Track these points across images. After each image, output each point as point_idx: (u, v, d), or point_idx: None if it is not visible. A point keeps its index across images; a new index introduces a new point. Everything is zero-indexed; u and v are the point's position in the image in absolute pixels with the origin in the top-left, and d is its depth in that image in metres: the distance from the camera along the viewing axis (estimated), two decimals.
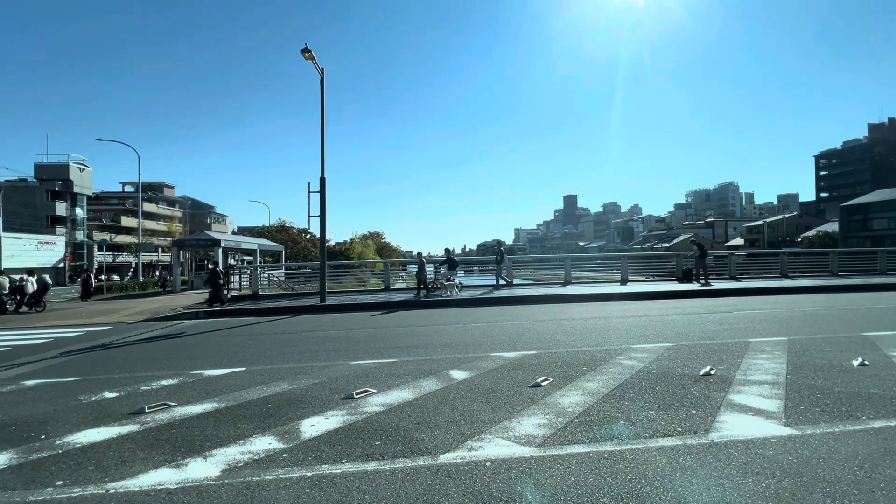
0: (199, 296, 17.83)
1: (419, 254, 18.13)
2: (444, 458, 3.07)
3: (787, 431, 3.31)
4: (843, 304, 10.50)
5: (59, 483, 2.91)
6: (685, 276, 16.67)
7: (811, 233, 59.71)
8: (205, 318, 12.19)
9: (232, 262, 26.92)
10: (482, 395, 4.39)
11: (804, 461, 2.86)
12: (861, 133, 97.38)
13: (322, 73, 14.15)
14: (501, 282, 16.74)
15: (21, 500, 2.70)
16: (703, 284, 15.28)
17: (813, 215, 78.71)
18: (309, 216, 14.96)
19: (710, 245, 71.06)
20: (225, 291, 16.61)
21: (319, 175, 14.16)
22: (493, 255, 17.76)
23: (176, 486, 2.79)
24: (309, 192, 14.59)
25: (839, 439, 3.16)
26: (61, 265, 40.80)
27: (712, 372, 4.83)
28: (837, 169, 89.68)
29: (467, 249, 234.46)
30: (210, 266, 16.09)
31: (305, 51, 13.30)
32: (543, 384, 4.62)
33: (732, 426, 3.42)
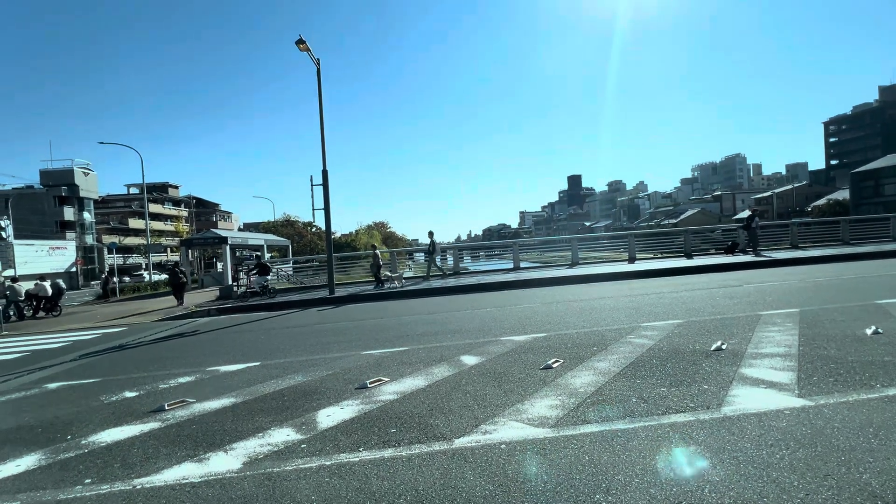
0: (211, 294, 18.05)
1: (373, 246, 17.99)
2: (460, 442, 3.11)
3: (800, 403, 3.31)
4: (856, 273, 10.38)
5: (88, 481, 3.00)
6: (730, 249, 16.77)
7: (821, 202, 58.65)
8: (217, 315, 12.36)
9: (247, 254, 27.08)
10: (494, 379, 4.43)
11: (818, 431, 2.86)
12: (872, 97, 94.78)
13: (318, 63, 14.00)
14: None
15: (52, 499, 2.80)
16: (754, 255, 15.40)
17: (823, 184, 77.19)
18: (313, 209, 14.86)
19: (718, 219, 70.22)
20: (239, 288, 16.80)
21: (321, 168, 14.14)
22: (499, 241, 17.85)
23: (200, 480, 2.87)
24: (312, 185, 14.52)
25: (853, 408, 3.16)
26: (73, 269, 41.39)
27: (723, 347, 4.82)
28: (848, 135, 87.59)
29: (472, 235, 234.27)
30: (170, 265, 16.32)
31: (300, 42, 13.14)
32: (554, 366, 4.65)
33: (745, 400, 3.43)
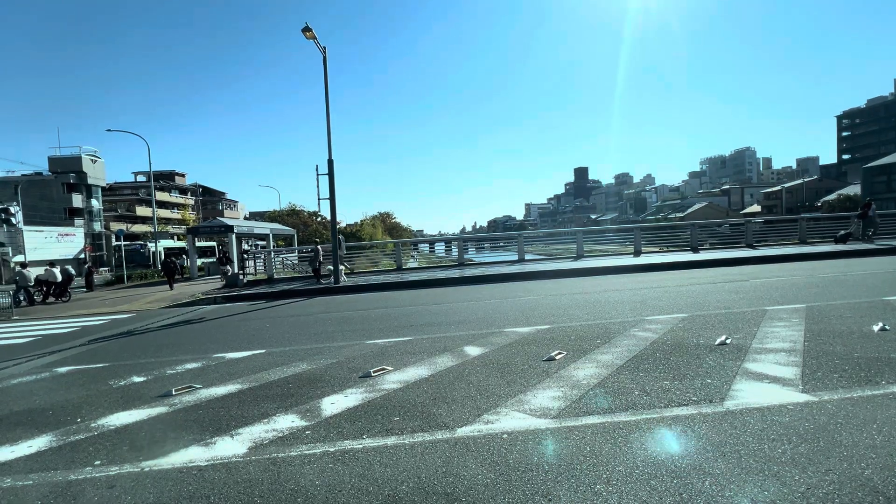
0: (217, 282, 18.20)
1: (315, 241, 18.08)
2: (462, 431, 3.14)
3: (803, 398, 3.30)
4: (865, 269, 10.26)
5: (98, 462, 3.07)
6: (842, 239, 16.49)
7: (832, 197, 57.84)
8: (223, 302, 12.48)
9: (246, 247, 27.36)
10: (497, 369, 4.45)
11: (821, 427, 2.86)
12: (887, 90, 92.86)
13: (324, 51, 13.90)
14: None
15: (63, 479, 2.86)
16: (868, 242, 15.50)
17: (834, 178, 76.04)
18: (318, 199, 14.95)
19: (726, 213, 69.52)
20: (241, 276, 16.94)
21: (327, 157, 14.11)
22: (504, 233, 18.00)
23: (206, 464, 2.92)
24: (317, 174, 14.54)
25: (857, 405, 3.15)
26: (82, 256, 41.87)
27: (728, 341, 4.81)
28: (861, 129, 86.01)
29: (477, 226, 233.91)
30: (162, 258, 16.43)
31: (306, 30, 13.04)
32: (557, 358, 4.66)
33: (748, 394, 3.43)
